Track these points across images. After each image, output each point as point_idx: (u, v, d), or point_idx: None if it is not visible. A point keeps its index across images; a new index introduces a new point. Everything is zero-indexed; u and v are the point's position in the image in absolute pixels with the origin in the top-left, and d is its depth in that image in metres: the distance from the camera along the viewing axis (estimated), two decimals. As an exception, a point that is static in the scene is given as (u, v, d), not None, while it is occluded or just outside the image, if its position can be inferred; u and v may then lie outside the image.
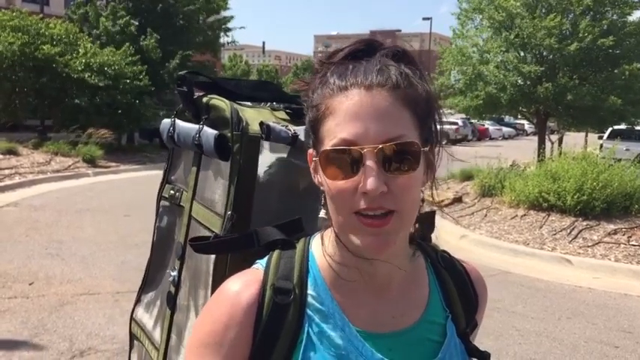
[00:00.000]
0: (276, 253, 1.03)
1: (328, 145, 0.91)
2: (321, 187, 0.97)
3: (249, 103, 1.36)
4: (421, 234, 1.07)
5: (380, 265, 0.97)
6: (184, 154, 1.50)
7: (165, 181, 1.61)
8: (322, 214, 1.02)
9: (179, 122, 1.40)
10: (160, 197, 1.61)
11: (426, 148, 0.93)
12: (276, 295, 0.96)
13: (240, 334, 0.95)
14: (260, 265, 1.02)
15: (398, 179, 0.89)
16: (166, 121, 1.46)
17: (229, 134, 1.22)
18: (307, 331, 0.96)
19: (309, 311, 0.97)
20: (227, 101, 1.27)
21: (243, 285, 0.97)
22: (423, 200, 0.98)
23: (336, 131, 0.90)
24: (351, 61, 0.95)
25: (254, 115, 1.27)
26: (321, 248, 1.01)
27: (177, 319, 1.38)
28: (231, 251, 1.14)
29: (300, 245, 1.04)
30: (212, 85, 1.37)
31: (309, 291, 0.98)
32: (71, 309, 5.54)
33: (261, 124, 1.20)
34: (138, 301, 1.69)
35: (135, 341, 1.68)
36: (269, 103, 1.41)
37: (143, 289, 1.68)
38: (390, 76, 0.92)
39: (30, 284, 6.19)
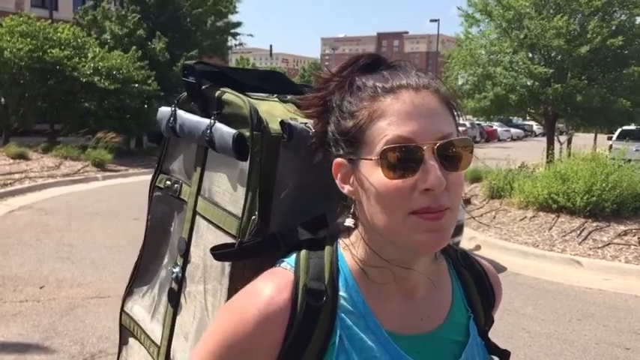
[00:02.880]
0: (303, 252, 1.01)
1: (381, 145, 0.91)
2: (352, 196, 0.98)
3: (257, 95, 1.28)
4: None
5: (413, 268, 0.98)
6: (183, 144, 1.43)
7: (160, 170, 1.53)
8: (349, 222, 1.01)
9: (182, 113, 1.34)
10: (152, 186, 1.55)
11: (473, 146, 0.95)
12: (309, 297, 0.95)
13: (271, 339, 0.94)
14: (288, 264, 1.00)
15: (454, 176, 0.90)
16: (165, 110, 1.39)
17: (247, 133, 1.16)
18: (339, 334, 0.95)
19: (341, 313, 0.96)
20: (244, 97, 1.20)
21: (276, 289, 0.95)
22: None
23: (390, 130, 0.90)
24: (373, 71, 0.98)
25: (269, 110, 1.20)
26: (349, 250, 1.00)
27: (183, 318, 1.33)
28: (256, 256, 1.10)
29: (327, 244, 1.02)
30: (219, 74, 1.30)
31: (341, 292, 0.97)
32: (82, 312, 5.57)
33: (282, 123, 1.14)
34: (129, 293, 1.61)
35: (128, 336, 1.61)
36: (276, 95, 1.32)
37: (134, 281, 1.61)
38: (429, 80, 0.95)
39: (41, 288, 6.23)
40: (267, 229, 1.13)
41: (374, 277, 0.98)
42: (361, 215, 0.97)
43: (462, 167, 0.92)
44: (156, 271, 1.51)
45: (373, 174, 0.92)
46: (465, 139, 0.93)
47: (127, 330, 1.60)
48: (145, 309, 1.53)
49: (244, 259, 1.13)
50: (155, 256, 1.53)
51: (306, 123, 1.12)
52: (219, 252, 1.12)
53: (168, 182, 1.47)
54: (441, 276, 1.07)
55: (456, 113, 0.97)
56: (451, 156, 0.90)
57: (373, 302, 0.98)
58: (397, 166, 0.89)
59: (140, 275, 1.59)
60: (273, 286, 0.96)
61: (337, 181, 0.99)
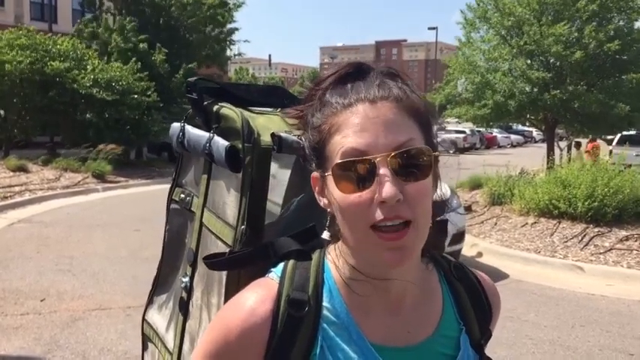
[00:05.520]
0: (291, 263, 1.02)
1: (337, 159, 0.91)
2: (328, 209, 0.98)
3: (259, 109, 1.34)
4: (433, 243, 1.05)
5: (393, 280, 0.96)
6: (194, 158, 1.50)
7: (175, 184, 1.60)
8: (325, 235, 1.02)
9: (189, 128, 1.40)
10: (170, 200, 1.61)
11: (436, 153, 0.94)
12: (291, 307, 0.96)
13: (253, 349, 0.96)
14: (275, 274, 1.01)
15: (412, 187, 0.89)
16: (176, 126, 1.45)
17: (240, 146, 1.21)
18: (321, 344, 0.95)
19: (323, 323, 0.96)
20: (238, 111, 1.26)
21: (259, 300, 0.97)
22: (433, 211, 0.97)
23: (344, 143, 0.91)
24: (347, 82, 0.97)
25: (265, 124, 1.25)
26: (334, 262, 1.00)
27: (190, 326, 1.38)
28: (246, 266, 1.13)
29: (315, 256, 1.03)
30: (221, 91, 1.36)
31: (325, 303, 0.98)
32: (83, 325, 5.55)
33: (273, 135, 1.18)
34: (150, 302, 1.69)
35: (148, 342, 1.68)
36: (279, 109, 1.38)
37: (154, 291, 1.68)
38: (391, 89, 0.94)
39: (42, 300, 6.21)
40: (258, 239, 1.17)
41: (356, 290, 0.98)
42: (338, 228, 0.97)
43: (422, 177, 0.90)
44: (174, 281, 1.57)
45: (334, 189, 0.93)
46: (422, 148, 0.91)
47: (148, 338, 1.67)
48: (163, 318, 1.60)
49: (235, 269, 1.16)
50: (173, 267, 1.59)
51: (299, 135, 1.14)
52: (209, 261, 1.15)
53: (182, 195, 1.54)
54: (431, 288, 1.06)
55: (423, 121, 0.95)
56: (408, 166, 0.89)
57: (357, 314, 0.98)
58: (351, 181, 0.90)
59: (160, 285, 1.66)
60: (256, 297, 0.97)
61: (316, 195, 1.00)
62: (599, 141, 20.34)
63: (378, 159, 0.88)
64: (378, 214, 0.88)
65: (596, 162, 11.52)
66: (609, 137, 23.81)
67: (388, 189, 0.86)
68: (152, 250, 7.40)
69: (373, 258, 0.91)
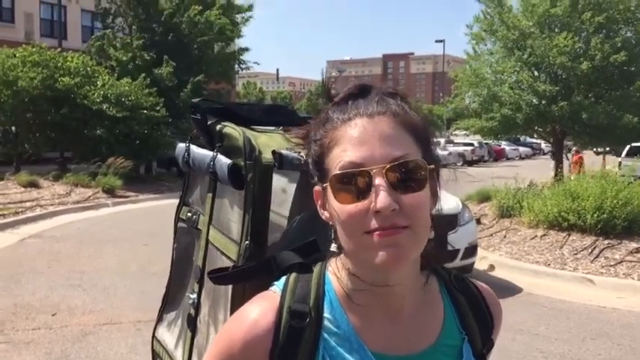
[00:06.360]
0: (293, 276, 1.05)
1: (336, 171, 0.94)
2: (330, 223, 1.01)
3: (261, 128, 1.38)
4: (435, 257, 1.08)
5: (393, 289, 0.99)
6: (200, 177, 1.53)
7: (182, 203, 1.64)
8: (333, 247, 1.05)
9: (193, 148, 1.44)
10: (177, 219, 1.64)
11: (432, 166, 0.96)
12: (292, 319, 0.98)
13: None
14: (277, 287, 1.04)
15: (408, 197, 0.92)
16: (181, 146, 1.49)
17: (242, 163, 1.25)
18: (322, 355, 0.98)
19: (324, 334, 0.99)
20: (240, 129, 1.30)
21: (261, 312, 0.99)
22: (431, 225, 1.00)
23: (343, 156, 0.94)
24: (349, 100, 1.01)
25: (266, 142, 1.29)
26: (335, 274, 1.03)
27: (198, 342, 1.41)
28: (250, 280, 1.16)
29: (316, 268, 1.06)
30: (225, 110, 1.40)
31: (326, 314, 1.00)
32: (94, 339, 5.58)
33: (274, 152, 1.23)
34: (159, 319, 1.71)
35: (158, 359, 1.71)
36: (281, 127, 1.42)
37: (164, 309, 1.71)
38: (389, 105, 0.98)
39: (53, 315, 6.24)
40: (262, 254, 1.21)
41: (357, 300, 1.00)
42: (340, 240, 1.00)
43: (418, 189, 0.93)
44: (182, 298, 1.60)
45: (333, 200, 0.96)
46: (418, 161, 0.94)
47: (157, 355, 1.70)
48: (172, 335, 1.62)
49: (239, 283, 1.19)
50: (181, 285, 1.62)
51: (299, 152, 1.18)
52: (214, 275, 1.18)
53: (189, 214, 1.57)
54: (432, 298, 1.08)
55: (420, 135, 0.98)
56: (404, 178, 0.92)
57: (358, 324, 1.00)
58: (348, 192, 0.93)
59: (169, 302, 1.69)
60: (259, 309, 1.00)
61: (318, 208, 1.03)
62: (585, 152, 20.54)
63: (374, 170, 0.91)
64: (374, 223, 0.91)
65: (580, 173, 11.53)
66: (600, 150, 23.80)
67: (383, 199, 0.89)
68: (161, 265, 7.40)
69: (370, 259, 0.93)
